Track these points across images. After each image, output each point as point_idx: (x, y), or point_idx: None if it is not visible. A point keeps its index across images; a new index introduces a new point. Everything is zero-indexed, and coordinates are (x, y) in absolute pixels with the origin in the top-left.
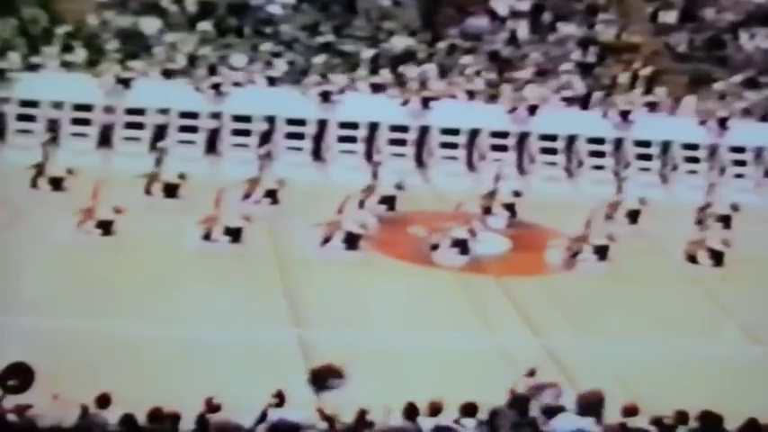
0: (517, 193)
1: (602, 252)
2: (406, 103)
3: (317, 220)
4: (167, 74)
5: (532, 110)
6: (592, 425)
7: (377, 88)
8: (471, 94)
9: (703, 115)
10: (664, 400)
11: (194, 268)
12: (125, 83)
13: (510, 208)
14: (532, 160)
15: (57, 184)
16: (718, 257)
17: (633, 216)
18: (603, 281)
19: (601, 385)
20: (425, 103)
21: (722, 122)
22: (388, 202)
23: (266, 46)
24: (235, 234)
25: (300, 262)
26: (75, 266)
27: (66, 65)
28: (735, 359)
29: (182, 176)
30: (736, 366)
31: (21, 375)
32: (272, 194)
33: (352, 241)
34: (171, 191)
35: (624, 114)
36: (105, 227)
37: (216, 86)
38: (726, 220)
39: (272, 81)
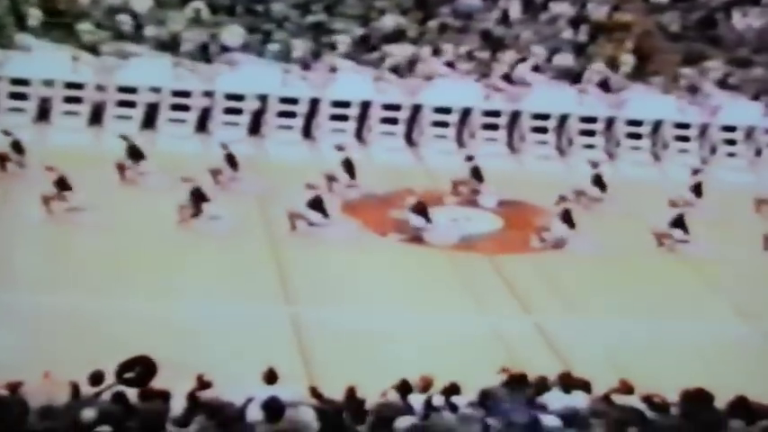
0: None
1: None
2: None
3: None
4: (160, 51)
5: (522, 89)
6: (583, 402)
7: (369, 66)
8: (462, 73)
9: (694, 94)
10: (654, 378)
11: (185, 246)
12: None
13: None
14: (523, 139)
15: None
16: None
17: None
18: (594, 259)
19: (591, 362)
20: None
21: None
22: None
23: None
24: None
25: (291, 239)
26: (63, 244)
27: (57, 42)
28: (724, 337)
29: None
30: (725, 344)
31: (141, 367)
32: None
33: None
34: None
35: (613, 92)
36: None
37: (207, 64)
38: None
39: (264, 60)
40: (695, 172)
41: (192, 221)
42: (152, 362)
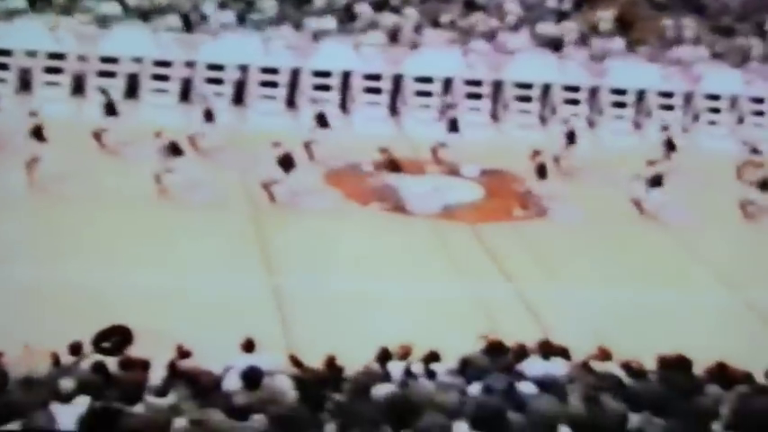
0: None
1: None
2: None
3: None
4: (141, 21)
5: (505, 57)
6: (561, 369)
7: (352, 35)
8: (444, 42)
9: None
10: (634, 345)
11: (166, 215)
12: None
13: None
14: (506, 108)
15: None
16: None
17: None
18: (575, 227)
19: (571, 330)
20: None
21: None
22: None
23: None
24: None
25: (273, 209)
26: (44, 215)
27: (39, 12)
28: (705, 304)
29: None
30: (705, 311)
31: (117, 336)
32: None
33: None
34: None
35: (598, 61)
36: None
37: (188, 33)
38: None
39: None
40: (664, 128)
41: (170, 188)
42: (128, 330)
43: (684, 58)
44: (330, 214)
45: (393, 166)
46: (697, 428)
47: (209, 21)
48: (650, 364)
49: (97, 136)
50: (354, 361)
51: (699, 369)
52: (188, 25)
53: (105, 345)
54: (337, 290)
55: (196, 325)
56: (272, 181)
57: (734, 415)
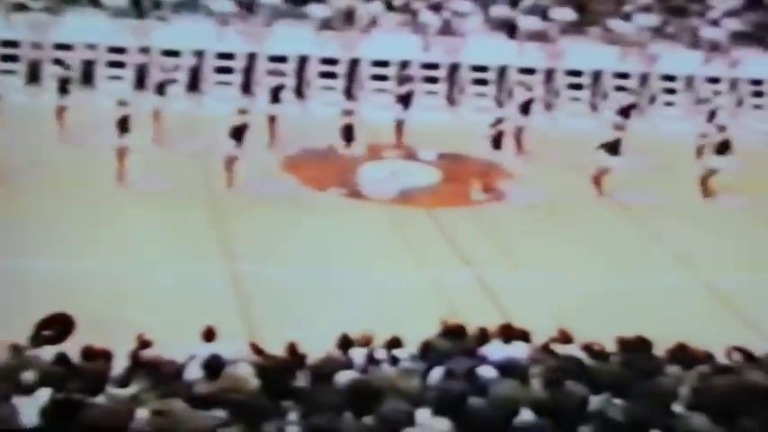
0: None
1: None
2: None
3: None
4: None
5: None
6: (522, 352)
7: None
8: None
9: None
10: (594, 328)
11: (124, 203)
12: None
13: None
14: (462, 91)
15: None
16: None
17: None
18: (534, 210)
19: (532, 314)
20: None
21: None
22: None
23: None
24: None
25: (230, 196)
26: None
27: None
28: (665, 285)
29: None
30: (666, 292)
31: (58, 325)
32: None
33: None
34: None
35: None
36: None
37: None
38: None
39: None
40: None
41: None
42: (70, 319)
43: (639, 39)
44: (288, 200)
45: (347, 133)
46: (658, 408)
47: (162, 6)
48: (611, 346)
49: (59, 114)
50: (315, 348)
51: (659, 350)
52: (139, 11)
53: (46, 333)
54: (296, 276)
55: (155, 314)
56: (232, 158)
57: (694, 394)
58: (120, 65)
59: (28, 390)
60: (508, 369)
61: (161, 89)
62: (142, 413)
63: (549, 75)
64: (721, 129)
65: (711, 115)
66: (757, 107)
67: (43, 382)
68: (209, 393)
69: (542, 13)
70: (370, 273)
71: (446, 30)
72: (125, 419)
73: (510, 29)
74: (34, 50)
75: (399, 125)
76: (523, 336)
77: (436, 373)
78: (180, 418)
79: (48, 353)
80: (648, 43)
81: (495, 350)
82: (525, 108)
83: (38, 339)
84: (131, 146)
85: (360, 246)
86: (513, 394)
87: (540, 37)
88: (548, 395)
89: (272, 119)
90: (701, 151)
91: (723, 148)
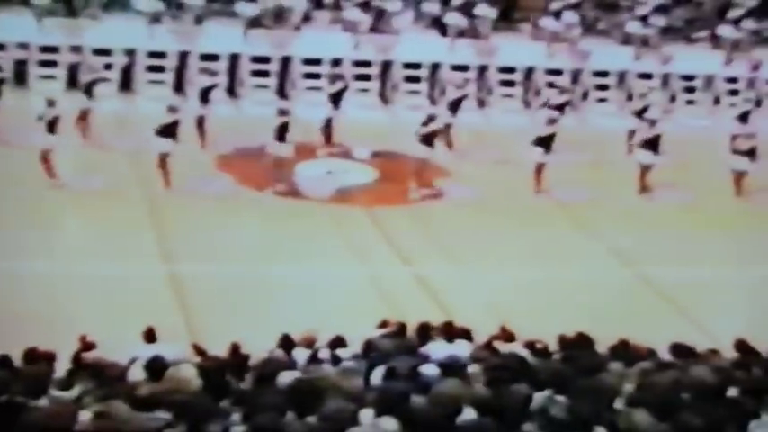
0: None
1: None
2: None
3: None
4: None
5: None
6: (465, 350)
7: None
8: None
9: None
10: (536, 326)
11: (59, 204)
12: None
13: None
14: (396, 89)
15: None
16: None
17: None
18: (471, 208)
19: (473, 312)
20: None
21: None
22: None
23: None
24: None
25: (166, 196)
26: None
27: None
28: (603, 281)
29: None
30: (604, 288)
31: None
32: None
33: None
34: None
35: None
36: None
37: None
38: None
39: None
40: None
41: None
42: None
43: (570, 36)
44: (225, 200)
45: (282, 132)
46: (600, 405)
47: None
48: (552, 342)
49: None
50: (256, 348)
51: (601, 347)
52: (71, 10)
53: None
54: (235, 276)
55: (94, 316)
56: (164, 155)
57: (637, 391)
58: (53, 64)
59: None
60: (451, 368)
61: (89, 89)
62: (85, 415)
63: (482, 71)
64: (652, 124)
65: (642, 111)
66: (690, 102)
67: None
68: (152, 395)
69: (469, 11)
70: (309, 272)
71: (378, 27)
72: (68, 422)
73: (441, 26)
74: None
75: (329, 123)
76: (465, 334)
77: (378, 373)
78: (123, 419)
79: None
80: (579, 40)
81: (438, 349)
82: (455, 105)
83: None
84: (59, 146)
85: (299, 245)
86: (455, 393)
87: (471, 33)
88: (490, 393)
89: (202, 119)
90: (631, 148)
91: (654, 143)
